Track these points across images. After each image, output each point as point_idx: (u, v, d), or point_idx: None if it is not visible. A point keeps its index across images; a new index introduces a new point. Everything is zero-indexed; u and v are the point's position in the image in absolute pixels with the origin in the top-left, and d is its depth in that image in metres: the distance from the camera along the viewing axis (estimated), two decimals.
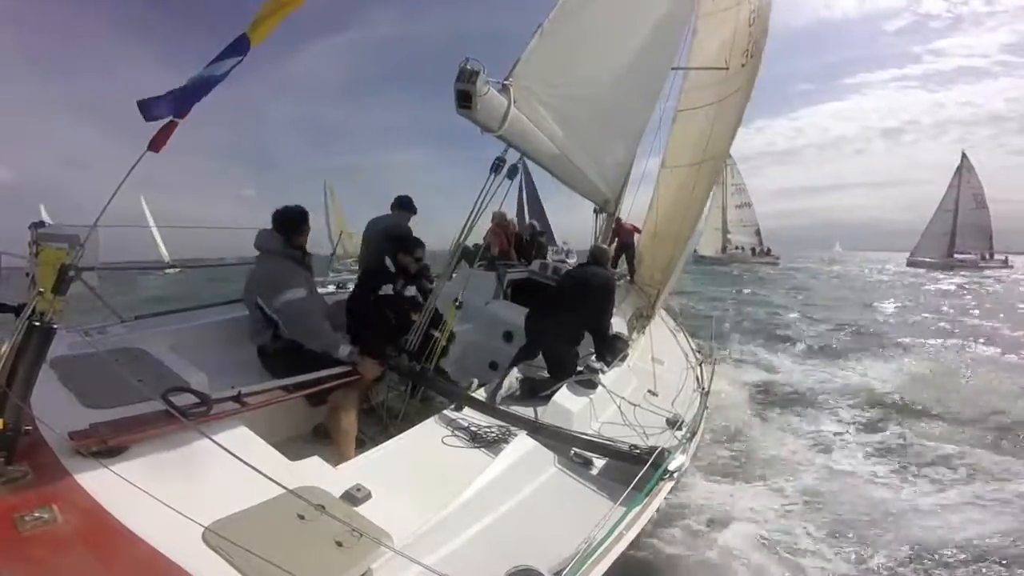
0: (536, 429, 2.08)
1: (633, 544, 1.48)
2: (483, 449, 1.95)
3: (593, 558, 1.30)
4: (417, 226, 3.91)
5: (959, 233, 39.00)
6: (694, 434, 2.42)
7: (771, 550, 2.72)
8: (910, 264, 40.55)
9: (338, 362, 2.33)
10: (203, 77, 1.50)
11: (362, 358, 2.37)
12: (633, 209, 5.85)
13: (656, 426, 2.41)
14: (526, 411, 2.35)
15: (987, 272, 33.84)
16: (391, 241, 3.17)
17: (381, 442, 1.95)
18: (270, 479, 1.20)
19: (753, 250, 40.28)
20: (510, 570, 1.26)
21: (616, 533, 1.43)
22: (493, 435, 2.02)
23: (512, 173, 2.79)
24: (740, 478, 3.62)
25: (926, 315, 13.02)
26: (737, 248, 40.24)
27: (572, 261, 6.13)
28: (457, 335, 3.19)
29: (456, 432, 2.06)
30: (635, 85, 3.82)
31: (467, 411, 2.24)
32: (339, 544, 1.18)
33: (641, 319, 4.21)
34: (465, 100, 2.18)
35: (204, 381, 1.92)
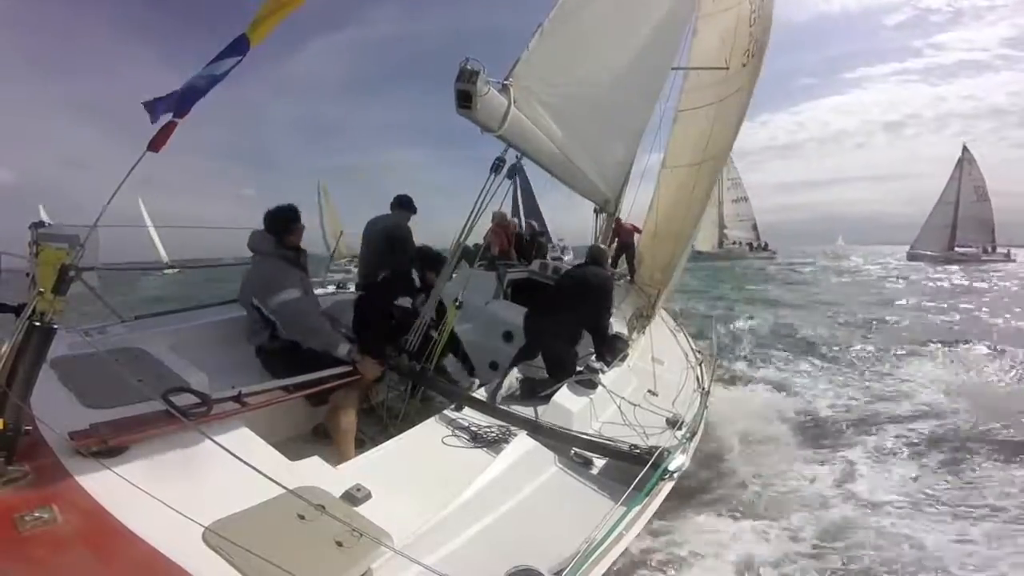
0: (536, 429, 2.07)
1: (633, 544, 1.48)
2: (483, 449, 1.95)
3: (593, 558, 1.30)
4: (418, 226, 3.91)
5: (960, 226, 38.28)
6: (694, 434, 2.42)
7: None
8: (910, 257, 39.93)
9: (338, 362, 2.33)
10: (203, 77, 1.50)
11: (362, 358, 2.37)
12: (633, 209, 5.85)
13: (656, 426, 2.41)
14: (526, 411, 2.35)
15: (994, 266, 32.88)
16: (422, 260, 3.15)
17: (381, 442, 1.95)
18: (270, 479, 1.20)
19: (750, 245, 40.08)
20: (510, 570, 1.26)
21: (616, 533, 1.43)
22: (493, 435, 2.02)
23: (512, 173, 2.79)
24: (747, 514, 3.10)
25: (954, 315, 11.93)
26: (734, 243, 39.97)
27: (568, 258, 6.13)
28: (461, 342, 3.20)
29: (456, 432, 2.06)
30: (635, 85, 3.82)
31: (467, 411, 2.24)
32: (339, 544, 1.18)
33: (641, 319, 4.21)
34: (465, 100, 2.17)
35: (204, 381, 1.92)
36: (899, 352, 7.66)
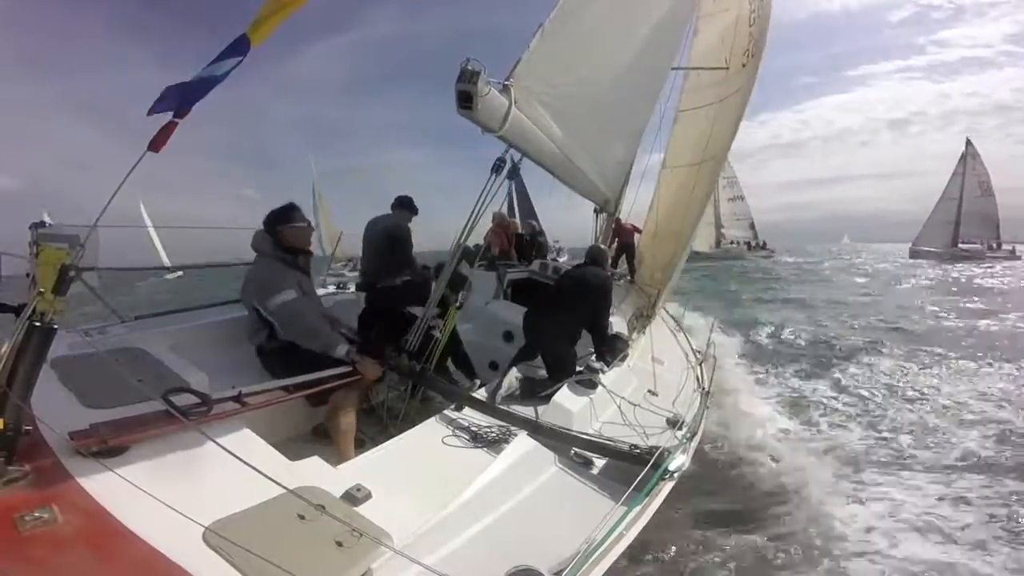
0: (536, 429, 2.07)
1: (633, 545, 1.48)
2: (483, 449, 1.95)
3: (593, 558, 1.30)
4: (419, 226, 3.91)
5: (964, 222, 37.50)
6: (694, 434, 2.42)
7: None
8: (912, 255, 39.21)
9: (337, 362, 2.33)
10: (203, 77, 1.50)
11: (362, 358, 2.37)
12: (633, 209, 5.86)
13: (656, 426, 2.41)
14: (526, 411, 2.35)
15: (1001, 263, 32.32)
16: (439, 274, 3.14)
17: (381, 442, 1.95)
18: (270, 479, 1.20)
19: (748, 244, 39.40)
20: (510, 570, 1.26)
21: (616, 533, 1.43)
22: (493, 435, 2.02)
23: (513, 174, 2.79)
24: (778, 564, 2.70)
25: (986, 321, 10.82)
26: (732, 243, 39.30)
27: (564, 259, 6.15)
28: (462, 344, 3.21)
29: (456, 432, 2.06)
30: (635, 85, 3.82)
31: (467, 411, 2.24)
32: (339, 544, 1.18)
33: (641, 319, 4.21)
34: (466, 100, 2.17)
35: (204, 381, 1.92)
36: (942, 365, 6.90)
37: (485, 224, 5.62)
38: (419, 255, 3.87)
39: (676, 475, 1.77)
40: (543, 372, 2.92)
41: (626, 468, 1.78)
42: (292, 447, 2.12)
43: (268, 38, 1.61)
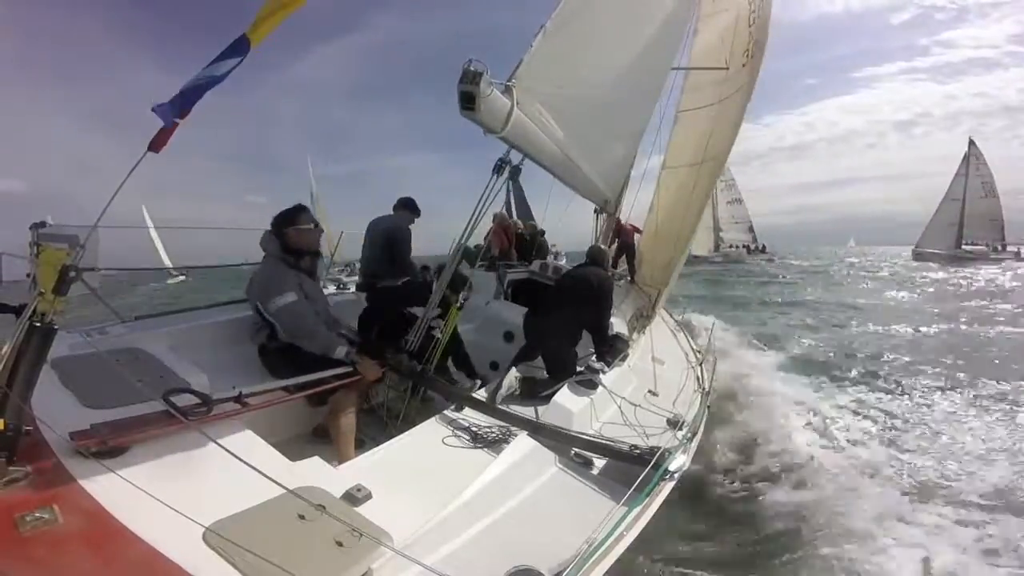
0: (537, 429, 2.07)
1: (633, 545, 1.48)
2: (484, 449, 1.95)
3: (594, 559, 1.30)
4: (429, 228, 3.91)
5: (967, 223, 36.98)
6: (695, 434, 2.42)
7: None
8: (916, 257, 38.59)
9: (338, 362, 2.33)
10: (203, 78, 1.51)
11: (361, 358, 2.37)
12: (634, 209, 5.86)
13: (657, 426, 2.41)
14: (526, 411, 2.35)
15: (1001, 264, 31.61)
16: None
17: (381, 442, 1.95)
18: (270, 479, 1.20)
19: (747, 248, 38.94)
20: (510, 570, 1.26)
21: (617, 534, 1.43)
22: (494, 435, 2.02)
23: (515, 175, 2.79)
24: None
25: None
26: (731, 246, 38.83)
27: (563, 263, 6.17)
28: (463, 344, 3.20)
29: (457, 432, 2.06)
30: (636, 85, 3.82)
31: (467, 411, 2.24)
32: (339, 544, 1.18)
33: (641, 319, 4.21)
34: (468, 101, 2.17)
35: (204, 381, 1.93)
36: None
37: (486, 225, 5.63)
38: (423, 258, 3.86)
39: (676, 475, 1.76)
40: (543, 372, 2.92)
41: (626, 468, 1.78)
42: (292, 447, 2.12)
43: (267, 38, 1.61)
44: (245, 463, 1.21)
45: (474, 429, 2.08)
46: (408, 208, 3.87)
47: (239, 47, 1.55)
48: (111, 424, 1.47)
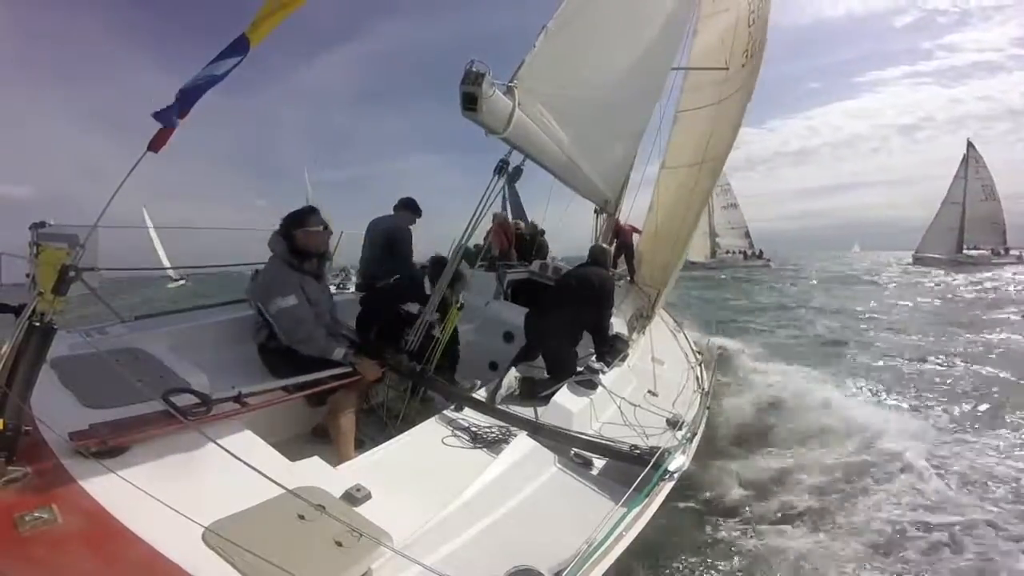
0: (536, 429, 2.07)
1: (633, 545, 1.48)
2: (483, 449, 1.95)
3: (593, 559, 1.30)
4: (424, 229, 3.91)
5: (968, 228, 36.35)
6: (695, 435, 2.42)
7: None
8: (916, 262, 37.96)
9: (338, 362, 2.33)
10: (203, 78, 1.51)
11: (360, 359, 2.37)
12: (633, 210, 5.86)
13: (656, 426, 2.41)
14: (526, 411, 2.35)
15: (1004, 268, 30.50)
16: (437, 269, 3.12)
17: (381, 442, 1.95)
18: (270, 479, 1.20)
19: (744, 253, 38.05)
20: (510, 570, 1.26)
21: (616, 534, 1.43)
22: (493, 435, 2.02)
23: (516, 175, 2.79)
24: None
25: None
26: (727, 252, 38.05)
27: (562, 264, 6.18)
28: (462, 344, 3.19)
29: (456, 432, 2.06)
30: (636, 86, 3.82)
31: (467, 411, 2.24)
32: (339, 544, 1.18)
33: (641, 319, 4.21)
34: (470, 102, 2.17)
35: (204, 381, 1.93)
36: None
37: (487, 225, 5.64)
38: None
39: (676, 476, 1.76)
40: (543, 372, 2.92)
41: (626, 468, 1.78)
42: (292, 447, 2.13)
43: (267, 39, 1.61)
44: (245, 463, 1.21)
45: (474, 429, 2.08)
46: (409, 208, 3.87)
47: (239, 47, 1.55)
48: (111, 424, 1.47)
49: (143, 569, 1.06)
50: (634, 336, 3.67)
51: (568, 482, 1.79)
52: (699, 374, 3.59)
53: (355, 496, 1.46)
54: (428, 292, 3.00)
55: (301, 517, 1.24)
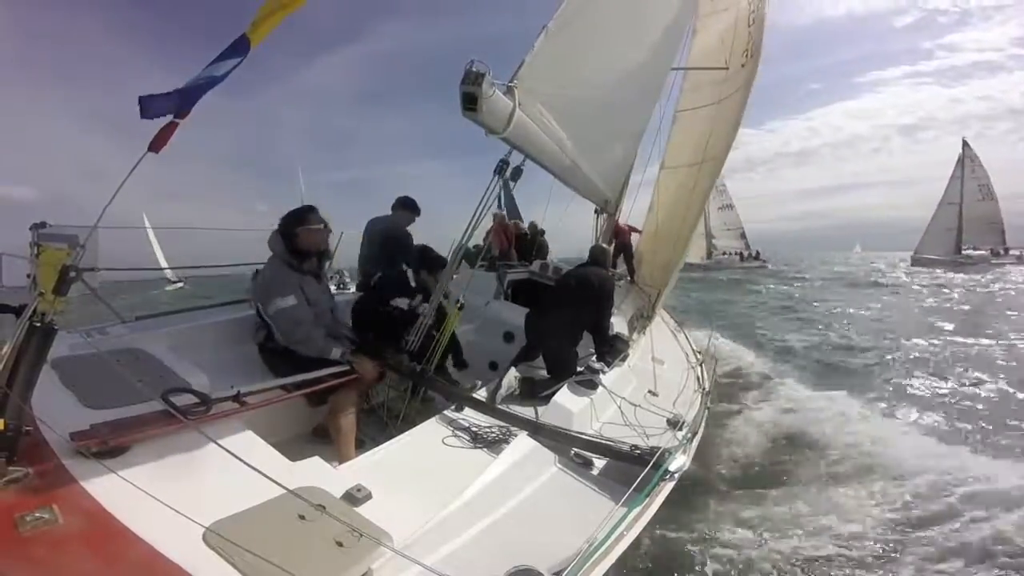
0: (537, 429, 2.07)
1: (633, 545, 1.48)
2: (484, 449, 1.95)
3: (593, 559, 1.30)
4: (424, 230, 3.91)
5: (966, 228, 35.96)
6: (695, 434, 2.42)
7: None
8: (915, 263, 37.64)
9: (337, 361, 2.33)
10: (203, 77, 1.51)
11: (359, 358, 2.36)
12: (633, 211, 5.86)
13: (657, 426, 2.41)
14: (526, 411, 2.35)
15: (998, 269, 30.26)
16: (422, 259, 3.14)
17: (381, 442, 1.95)
18: (270, 479, 1.20)
19: (740, 255, 37.66)
20: (510, 570, 1.26)
21: (617, 534, 1.43)
22: (494, 435, 2.02)
23: (516, 176, 2.79)
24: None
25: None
26: (724, 254, 37.70)
27: (562, 265, 6.19)
28: (462, 344, 3.19)
29: (457, 432, 2.06)
30: (636, 86, 3.83)
31: (467, 411, 2.24)
32: (339, 544, 1.18)
33: (641, 319, 4.21)
34: (470, 102, 2.16)
35: (204, 381, 1.93)
36: None
37: (487, 225, 5.65)
38: None
39: (676, 476, 1.76)
40: (543, 372, 2.92)
41: (626, 468, 1.77)
42: (292, 447, 2.13)
43: (267, 39, 1.61)
44: (245, 463, 1.21)
45: (474, 429, 2.08)
46: (407, 208, 3.86)
47: (239, 47, 1.55)
48: (111, 424, 1.47)
49: (143, 569, 1.06)
50: (634, 336, 3.67)
51: (568, 482, 1.79)
52: (699, 374, 3.59)
53: (356, 496, 1.46)
54: (413, 284, 3.01)
55: (301, 517, 1.24)
